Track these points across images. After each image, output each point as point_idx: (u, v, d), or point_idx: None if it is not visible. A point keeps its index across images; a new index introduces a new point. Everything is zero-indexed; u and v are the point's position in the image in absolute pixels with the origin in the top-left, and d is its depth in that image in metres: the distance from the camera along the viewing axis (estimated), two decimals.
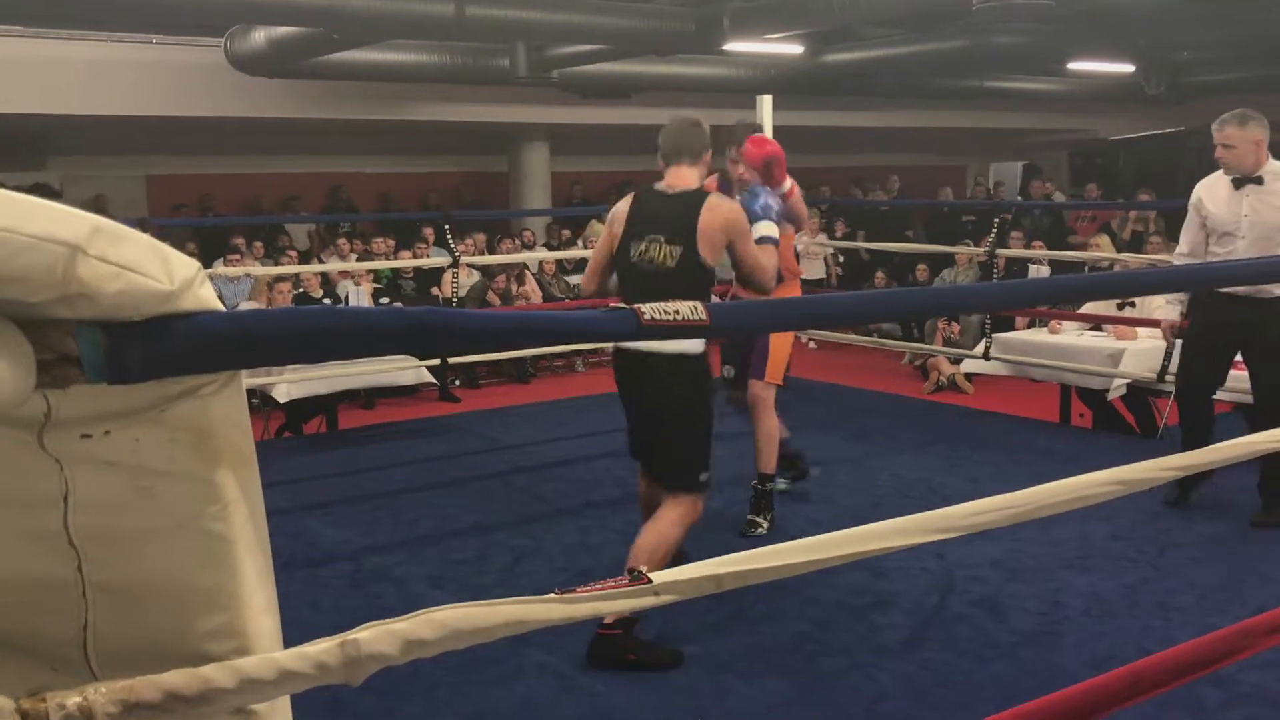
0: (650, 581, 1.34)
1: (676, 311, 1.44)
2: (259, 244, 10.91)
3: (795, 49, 9.98)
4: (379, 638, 1.15)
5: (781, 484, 5.00)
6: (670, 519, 3.52)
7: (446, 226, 7.63)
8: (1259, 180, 4.44)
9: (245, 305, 8.53)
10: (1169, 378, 6.12)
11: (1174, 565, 4.22)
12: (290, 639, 1.20)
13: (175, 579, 1.11)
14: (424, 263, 9.41)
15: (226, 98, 10.42)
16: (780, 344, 4.73)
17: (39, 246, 0.95)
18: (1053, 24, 9.53)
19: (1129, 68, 11.36)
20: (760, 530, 4.62)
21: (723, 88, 10.87)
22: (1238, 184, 4.49)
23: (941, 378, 9.13)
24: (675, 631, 3.64)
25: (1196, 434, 4.62)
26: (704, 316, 1.45)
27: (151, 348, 1.03)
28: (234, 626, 1.12)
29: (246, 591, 1.12)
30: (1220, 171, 4.60)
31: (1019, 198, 15.25)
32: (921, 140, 16.96)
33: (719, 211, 3.57)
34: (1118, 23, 10.19)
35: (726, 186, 4.37)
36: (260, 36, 8.39)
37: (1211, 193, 4.59)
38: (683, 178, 3.72)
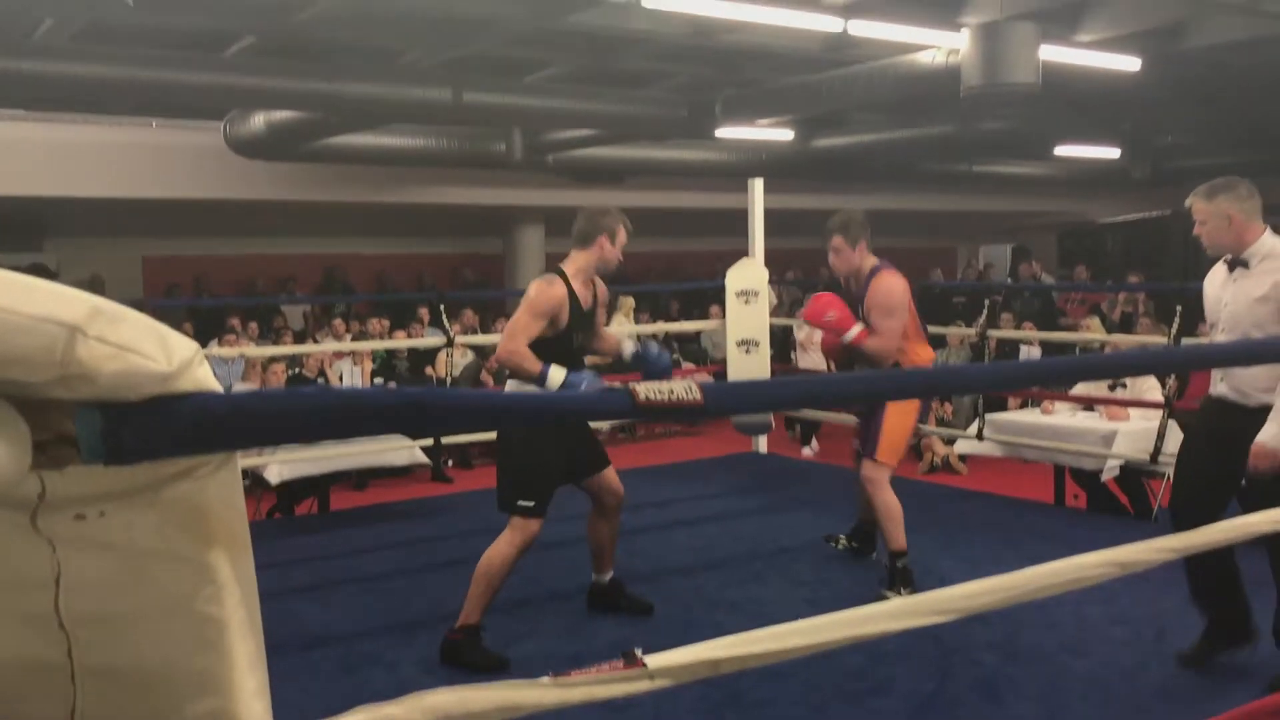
0: (645, 665, 1.32)
1: (671, 391, 1.44)
2: (254, 324, 10.94)
3: (786, 134, 10.15)
4: None
5: (841, 542, 5.39)
6: (502, 539, 4.23)
7: (441, 306, 7.67)
8: (1245, 264, 3.83)
9: (239, 386, 8.52)
10: (1162, 459, 6.12)
11: (1173, 648, 4.18)
12: None
13: (166, 662, 1.10)
14: (418, 343, 9.44)
15: (225, 180, 10.54)
16: (896, 421, 4.78)
17: (39, 327, 0.96)
18: (1039, 110, 9.71)
19: (1115, 152, 11.55)
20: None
21: (715, 172, 11.04)
22: (1231, 267, 3.91)
23: (935, 458, 9.12)
24: (667, 715, 3.59)
25: (1209, 590, 3.96)
26: (698, 396, 1.45)
27: (148, 428, 1.03)
28: (225, 711, 1.11)
29: (238, 676, 1.11)
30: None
31: (1009, 279, 15.38)
32: (912, 222, 17.16)
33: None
34: (1103, 109, 10.39)
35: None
36: (259, 120, 8.51)
37: (1211, 277, 4.04)
38: (567, 260, 4.37)
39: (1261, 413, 3.67)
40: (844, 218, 4.83)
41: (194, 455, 1.07)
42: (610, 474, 4.52)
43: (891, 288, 4.76)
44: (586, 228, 4.33)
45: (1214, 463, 3.86)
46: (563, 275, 4.26)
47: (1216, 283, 3.99)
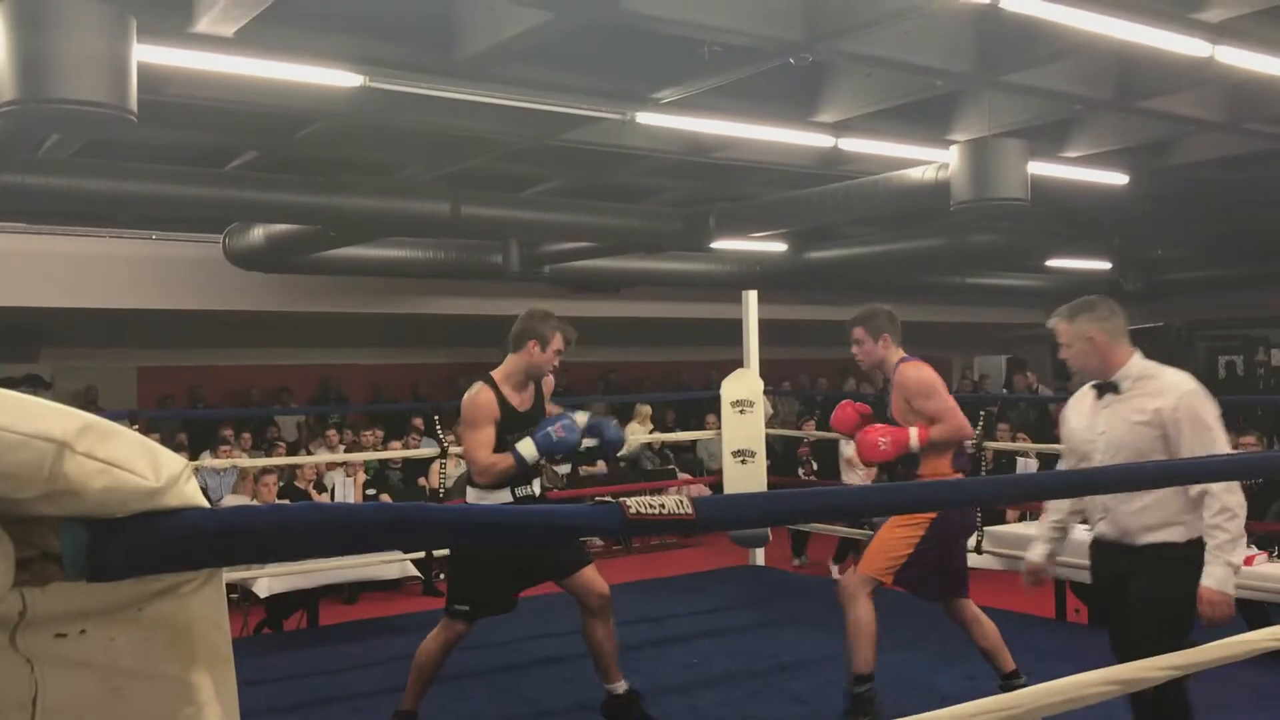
0: None
1: (662, 506, 1.43)
2: (248, 435, 10.91)
3: (779, 247, 10.28)
4: None
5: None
6: (432, 633, 4.40)
7: (435, 416, 7.65)
8: (1114, 388, 3.57)
9: (230, 497, 8.46)
10: None
11: None
12: None
13: None
14: (410, 454, 9.40)
15: (222, 291, 10.63)
16: (887, 536, 4.46)
17: (29, 444, 0.96)
18: (1029, 223, 9.86)
19: (1106, 265, 11.69)
20: None
21: (709, 283, 11.15)
22: (1100, 391, 3.63)
23: None
24: None
25: None
26: (689, 511, 1.44)
27: (134, 545, 1.02)
28: None
29: None
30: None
31: (1004, 390, 15.42)
32: (906, 334, 17.21)
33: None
34: (1092, 222, 10.56)
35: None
36: (259, 233, 8.62)
37: (1076, 404, 3.76)
38: (500, 366, 4.47)
39: (1148, 553, 3.41)
40: (867, 310, 4.70)
41: (179, 572, 1.05)
42: (589, 574, 4.38)
43: (922, 372, 4.56)
44: (517, 331, 4.45)
45: (1115, 613, 3.65)
46: (490, 381, 4.39)
47: (1084, 410, 3.68)
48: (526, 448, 4.22)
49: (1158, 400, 3.43)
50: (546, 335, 4.43)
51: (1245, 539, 3.43)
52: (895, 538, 4.46)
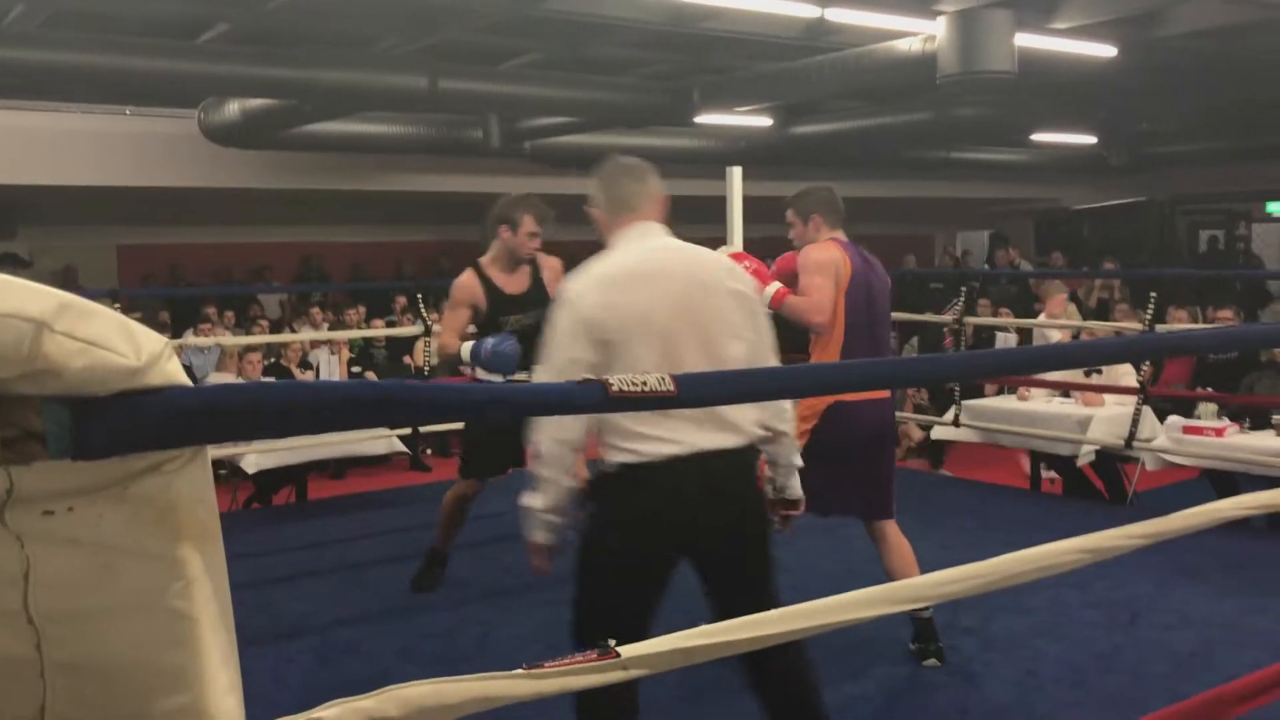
0: (619, 655, 1.33)
1: (644, 383, 1.44)
2: (230, 313, 10.88)
3: (764, 122, 10.13)
4: (344, 716, 1.13)
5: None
6: (452, 488, 4.88)
7: (419, 295, 7.64)
8: None
9: (214, 375, 8.48)
10: (1137, 444, 6.17)
11: (1146, 633, 4.22)
12: (255, 717, 1.18)
13: (136, 659, 1.09)
14: (394, 332, 9.40)
15: (199, 168, 10.46)
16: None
17: (6, 323, 0.95)
18: (1015, 97, 9.73)
19: (1091, 139, 11.60)
20: None
21: (694, 159, 11.01)
22: None
23: (912, 444, 9.16)
24: (646, 702, 3.60)
25: None
26: (671, 387, 1.45)
27: (117, 423, 1.02)
28: (196, 707, 1.10)
29: (210, 671, 1.10)
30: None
31: (986, 266, 15.45)
32: (890, 210, 17.18)
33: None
34: (1079, 96, 10.42)
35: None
36: (234, 108, 8.45)
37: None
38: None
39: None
40: (800, 190, 4.24)
41: (163, 450, 1.06)
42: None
43: (821, 252, 3.97)
44: (490, 219, 4.58)
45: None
46: (476, 266, 4.59)
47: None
48: (462, 350, 4.37)
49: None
50: (515, 218, 4.49)
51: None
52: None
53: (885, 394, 4.07)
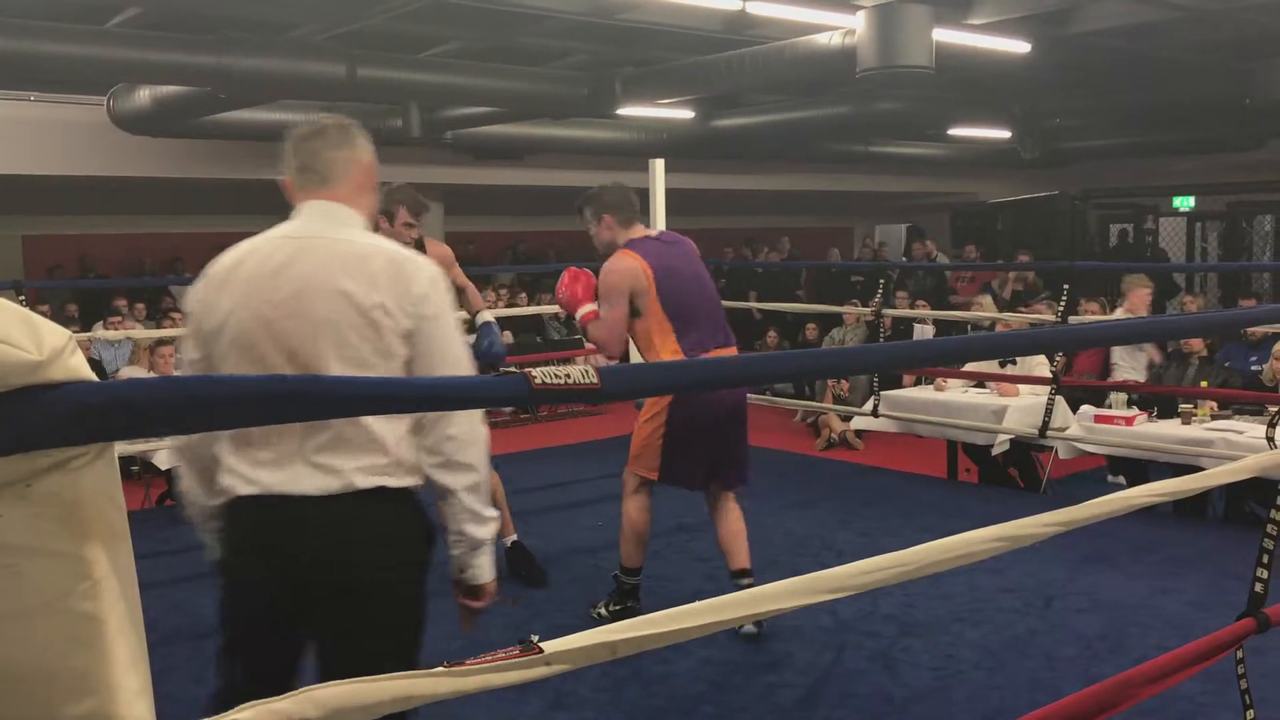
0: (542, 651, 1.32)
1: (568, 375, 1.43)
2: (141, 306, 10.61)
3: (686, 114, 10.16)
4: (260, 718, 1.11)
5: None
6: None
7: None
8: None
9: (126, 370, 8.26)
10: (1050, 433, 6.31)
11: (1060, 617, 4.32)
12: (173, 717, 1.15)
13: (41, 662, 1.05)
14: None
15: (108, 157, 10.18)
16: (638, 433, 4.24)
17: None
18: (932, 92, 9.88)
19: (1006, 134, 11.83)
20: (595, 615, 4.33)
21: (616, 151, 11.01)
22: None
23: (833, 434, 9.26)
24: (569, 696, 3.60)
25: None
26: (595, 380, 1.44)
27: (18, 420, 0.99)
28: (105, 712, 1.07)
29: (118, 674, 1.07)
30: None
31: (903, 258, 15.67)
32: (810, 202, 17.36)
33: None
34: (994, 91, 10.62)
35: None
36: (145, 95, 8.23)
37: None
38: None
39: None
40: (590, 193, 4.23)
41: (67, 447, 1.03)
42: None
43: (611, 270, 4.04)
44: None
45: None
46: None
47: None
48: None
49: None
50: (391, 209, 4.47)
51: None
52: (644, 434, 4.19)
53: None
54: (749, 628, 4.00)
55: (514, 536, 4.75)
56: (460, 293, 4.62)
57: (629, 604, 4.32)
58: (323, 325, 2.10)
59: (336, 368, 2.10)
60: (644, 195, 8.41)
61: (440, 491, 2.18)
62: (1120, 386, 6.57)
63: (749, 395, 8.92)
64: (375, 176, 2.39)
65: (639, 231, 4.16)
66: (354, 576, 2.12)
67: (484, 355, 4.44)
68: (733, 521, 4.26)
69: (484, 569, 2.25)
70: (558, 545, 5.39)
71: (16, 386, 0.99)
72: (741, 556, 4.21)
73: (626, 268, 4.01)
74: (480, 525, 2.22)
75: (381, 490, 2.12)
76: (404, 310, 2.11)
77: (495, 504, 4.71)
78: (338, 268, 2.14)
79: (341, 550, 2.10)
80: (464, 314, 4.63)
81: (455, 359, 2.17)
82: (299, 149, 2.34)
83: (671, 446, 4.14)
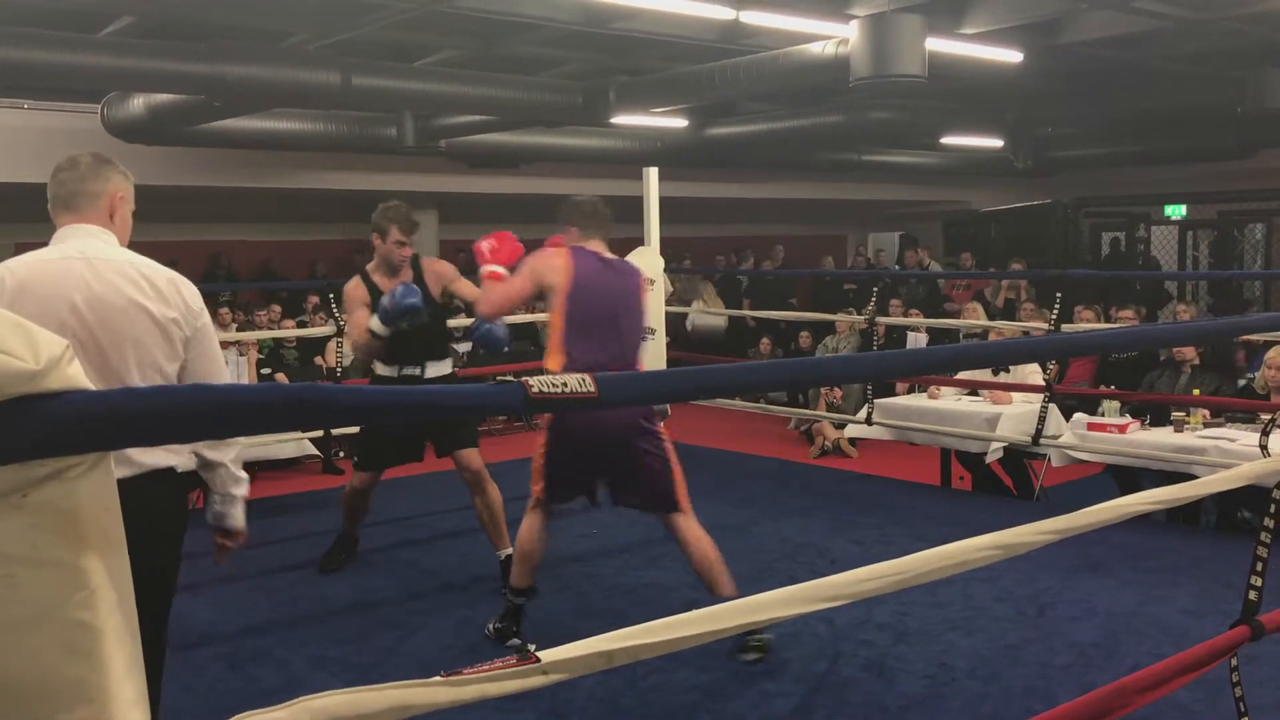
0: (538, 660, 1.32)
1: (565, 384, 1.43)
2: None
3: (680, 123, 10.18)
4: None
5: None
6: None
7: (331, 295, 7.52)
8: None
9: None
10: (1043, 441, 6.32)
11: (1054, 625, 4.32)
12: None
13: (38, 671, 1.05)
14: (304, 332, 9.24)
15: None
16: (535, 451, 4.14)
17: None
18: (925, 100, 9.92)
19: (998, 143, 11.86)
20: (486, 631, 4.26)
21: (610, 159, 11.02)
22: None
23: (826, 442, 9.27)
24: (564, 705, 3.59)
25: None
26: (592, 389, 1.44)
27: (14, 429, 0.99)
28: None
29: (114, 683, 1.07)
30: None
31: (896, 266, 15.69)
32: (803, 211, 17.38)
33: None
34: (987, 100, 10.66)
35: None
36: (139, 103, 8.23)
37: None
38: None
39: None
40: (565, 203, 4.28)
41: (63, 456, 1.02)
42: (467, 455, 4.80)
43: (539, 255, 4.10)
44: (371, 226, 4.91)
45: None
46: (363, 273, 4.91)
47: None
48: (372, 324, 4.61)
49: None
50: (384, 227, 4.82)
51: None
52: (535, 454, 4.10)
53: None
54: (754, 647, 3.92)
55: (509, 550, 4.71)
56: (471, 305, 4.79)
57: (511, 625, 4.18)
58: (125, 336, 2.46)
59: (136, 375, 2.47)
60: (638, 203, 8.43)
61: (209, 463, 2.75)
62: (1113, 395, 6.59)
63: (743, 403, 8.94)
64: (126, 206, 2.71)
65: (593, 246, 4.14)
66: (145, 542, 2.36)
67: (480, 337, 4.58)
68: (692, 546, 3.99)
69: (240, 517, 2.82)
70: (550, 553, 5.37)
71: (13, 396, 0.99)
72: (721, 585, 3.94)
73: (551, 261, 4.05)
74: (240, 486, 2.81)
75: (169, 470, 2.62)
76: (188, 321, 2.58)
77: (495, 517, 4.71)
78: (130, 286, 2.51)
79: (142, 522, 2.33)
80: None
81: (216, 356, 2.71)
82: (54, 180, 2.63)
83: (550, 466, 4.04)
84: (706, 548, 4.00)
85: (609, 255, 4.20)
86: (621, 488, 4.16)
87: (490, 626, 4.24)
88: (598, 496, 4.24)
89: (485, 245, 4.26)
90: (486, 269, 4.21)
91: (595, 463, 4.08)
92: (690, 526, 4.04)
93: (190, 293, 2.63)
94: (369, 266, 4.92)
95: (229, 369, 9.40)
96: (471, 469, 4.79)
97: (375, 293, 4.77)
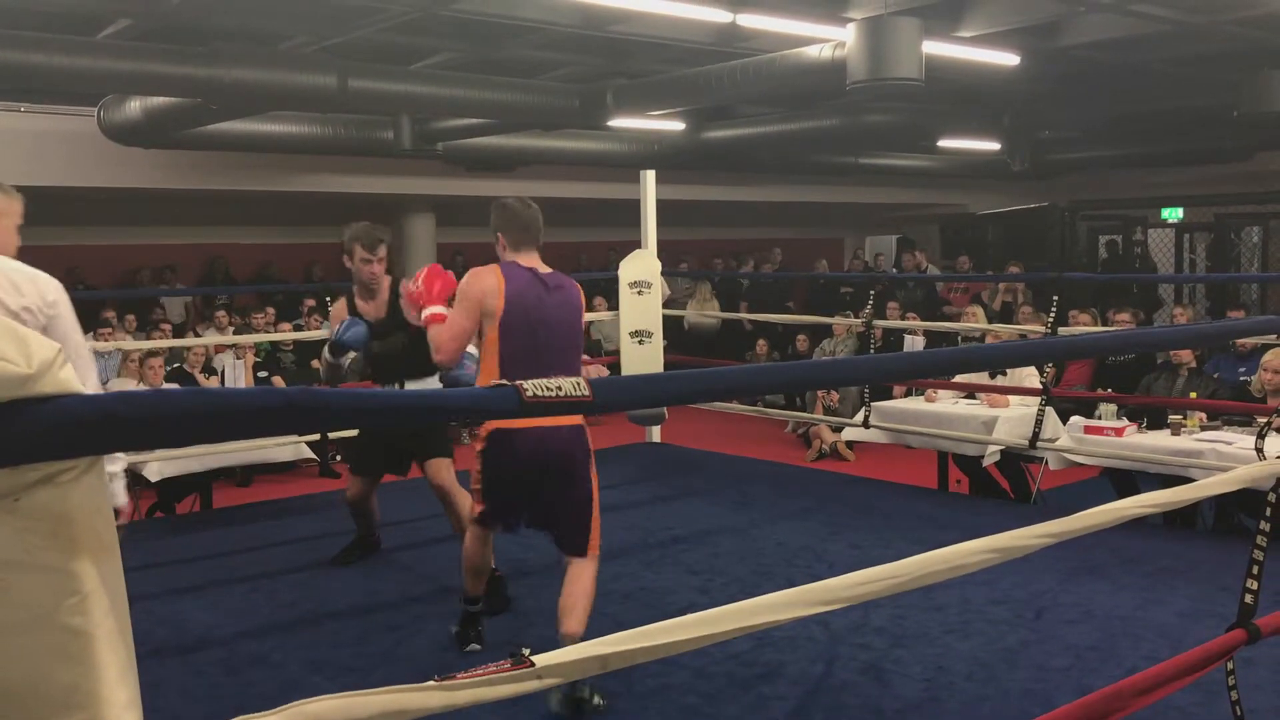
0: (533, 665, 1.31)
1: (559, 387, 1.43)
2: (131, 317, 10.58)
3: (677, 126, 10.18)
4: None
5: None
6: None
7: (328, 298, 7.51)
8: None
9: (115, 382, 8.24)
10: (1041, 444, 6.32)
11: (1051, 628, 4.32)
12: None
13: (29, 677, 1.05)
14: (301, 336, 9.23)
15: (99, 168, 10.16)
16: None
17: None
18: (922, 104, 9.92)
19: (995, 146, 11.87)
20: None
21: (606, 162, 11.02)
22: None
23: (824, 445, 9.27)
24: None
25: None
26: (586, 392, 1.44)
27: (7, 433, 0.98)
28: None
29: (107, 689, 1.06)
30: None
31: (894, 269, 15.70)
32: (800, 214, 17.39)
33: None
34: (984, 103, 10.66)
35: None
36: (135, 106, 8.22)
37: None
38: None
39: None
40: (493, 206, 3.98)
41: (56, 460, 1.02)
42: (433, 465, 4.81)
43: (472, 280, 3.80)
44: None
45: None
46: (349, 295, 4.95)
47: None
48: (325, 352, 4.80)
49: None
50: (349, 247, 4.83)
51: None
52: (473, 475, 3.88)
53: (553, 423, 3.73)
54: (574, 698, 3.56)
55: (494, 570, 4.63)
56: None
57: (469, 630, 4.14)
58: None
59: None
60: (635, 206, 8.44)
61: None
62: (1110, 398, 6.59)
63: (740, 406, 8.94)
64: (7, 220, 3.34)
65: (524, 259, 3.85)
66: None
67: (450, 384, 4.45)
68: (575, 584, 3.75)
69: (122, 493, 3.08)
70: (548, 556, 5.36)
71: (5, 400, 0.98)
72: (571, 621, 3.68)
73: (484, 283, 3.75)
74: (115, 464, 3.01)
75: None
76: (41, 310, 2.94)
77: (465, 528, 4.68)
78: None
79: None
80: None
81: (77, 344, 2.98)
82: None
83: (483, 482, 3.81)
84: (586, 591, 3.75)
85: (543, 269, 3.86)
86: (544, 513, 3.87)
87: (451, 630, 4.26)
88: (520, 524, 3.94)
89: (414, 287, 4.01)
90: (426, 312, 3.93)
91: (524, 490, 3.83)
92: (586, 573, 3.78)
93: (47, 287, 3.01)
94: (355, 289, 4.97)
95: (227, 372, 9.43)
96: (436, 481, 4.81)
97: (355, 314, 4.88)
